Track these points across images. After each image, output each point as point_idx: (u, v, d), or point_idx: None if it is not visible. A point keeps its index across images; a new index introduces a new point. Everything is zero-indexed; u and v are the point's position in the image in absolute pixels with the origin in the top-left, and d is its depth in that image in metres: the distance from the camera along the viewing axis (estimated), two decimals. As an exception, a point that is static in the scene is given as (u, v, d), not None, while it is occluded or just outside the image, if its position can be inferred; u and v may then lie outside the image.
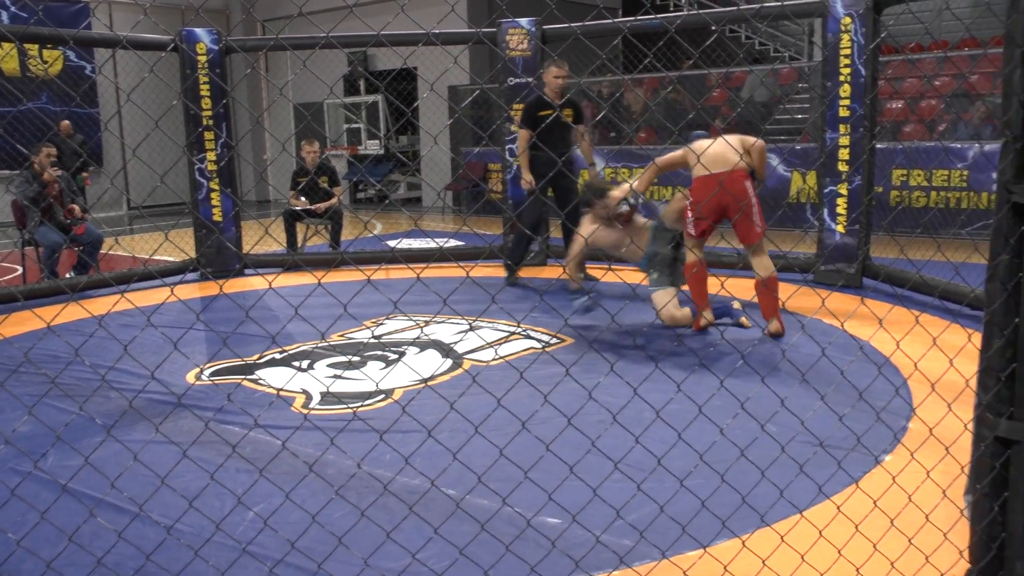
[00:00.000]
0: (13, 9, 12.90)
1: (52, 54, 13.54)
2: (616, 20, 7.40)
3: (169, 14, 14.86)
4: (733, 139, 4.74)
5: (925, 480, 2.43)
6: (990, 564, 1.90)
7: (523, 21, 7.23)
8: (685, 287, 4.88)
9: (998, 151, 1.91)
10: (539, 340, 4.82)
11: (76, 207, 6.84)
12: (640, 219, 5.06)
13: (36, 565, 2.36)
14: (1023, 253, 1.83)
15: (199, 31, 7.00)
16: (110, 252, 9.13)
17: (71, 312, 5.70)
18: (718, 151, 4.61)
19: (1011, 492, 1.88)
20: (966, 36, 10.43)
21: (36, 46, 13.03)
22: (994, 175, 8.72)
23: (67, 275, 6.97)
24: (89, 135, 13.58)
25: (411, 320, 5.42)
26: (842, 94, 5.93)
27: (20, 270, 7.72)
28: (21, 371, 4.39)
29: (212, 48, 6.99)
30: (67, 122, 11.59)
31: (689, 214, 4.70)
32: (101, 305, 6.01)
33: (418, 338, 4.94)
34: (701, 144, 4.84)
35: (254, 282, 7.03)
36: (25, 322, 5.45)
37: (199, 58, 6.96)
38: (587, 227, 4.99)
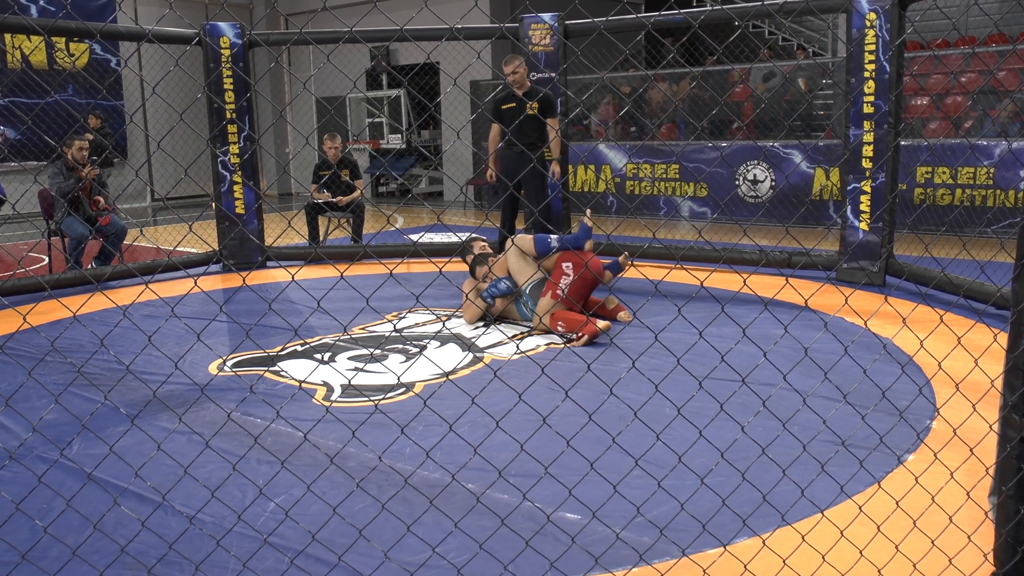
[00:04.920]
0: (42, 3, 13.06)
1: (78, 47, 13.67)
2: (639, 15, 7.36)
3: (193, 8, 14.96)
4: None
5: (949, 481, 2.41)
6: (1016, 568, 1.89)
7: (546, 16, 7.21)
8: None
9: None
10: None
11: (101, 199, 6.91)
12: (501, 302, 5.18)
13: (62, 551, 2.39)
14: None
15: (223, 25, 7.04)
16: (134, 243, 9.22)
17: (96, 302, 5.77)
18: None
19: (1037, 494, 1.86)
20: (994, 32, 10.29)
21: (63, 39, 13.17)
22: (1021, 173, 8.59)
23: (90, 265, 7.05)
24: (114, 127, 13.74)
25: (433, 314, 5.44)
26: (867, 90, 5.87)
27: (46, 260, 7.82)
28: (48, 360, 4.45)
29: (235, 42, 7.04)
30: None
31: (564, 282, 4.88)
32: (126, 295, 6.08)
33: (439, 332, 4.95)
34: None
35: (276, 274, 7.08)
36: (51, 311, 5.52)
37: (223, 52, 7.01)
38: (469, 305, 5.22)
